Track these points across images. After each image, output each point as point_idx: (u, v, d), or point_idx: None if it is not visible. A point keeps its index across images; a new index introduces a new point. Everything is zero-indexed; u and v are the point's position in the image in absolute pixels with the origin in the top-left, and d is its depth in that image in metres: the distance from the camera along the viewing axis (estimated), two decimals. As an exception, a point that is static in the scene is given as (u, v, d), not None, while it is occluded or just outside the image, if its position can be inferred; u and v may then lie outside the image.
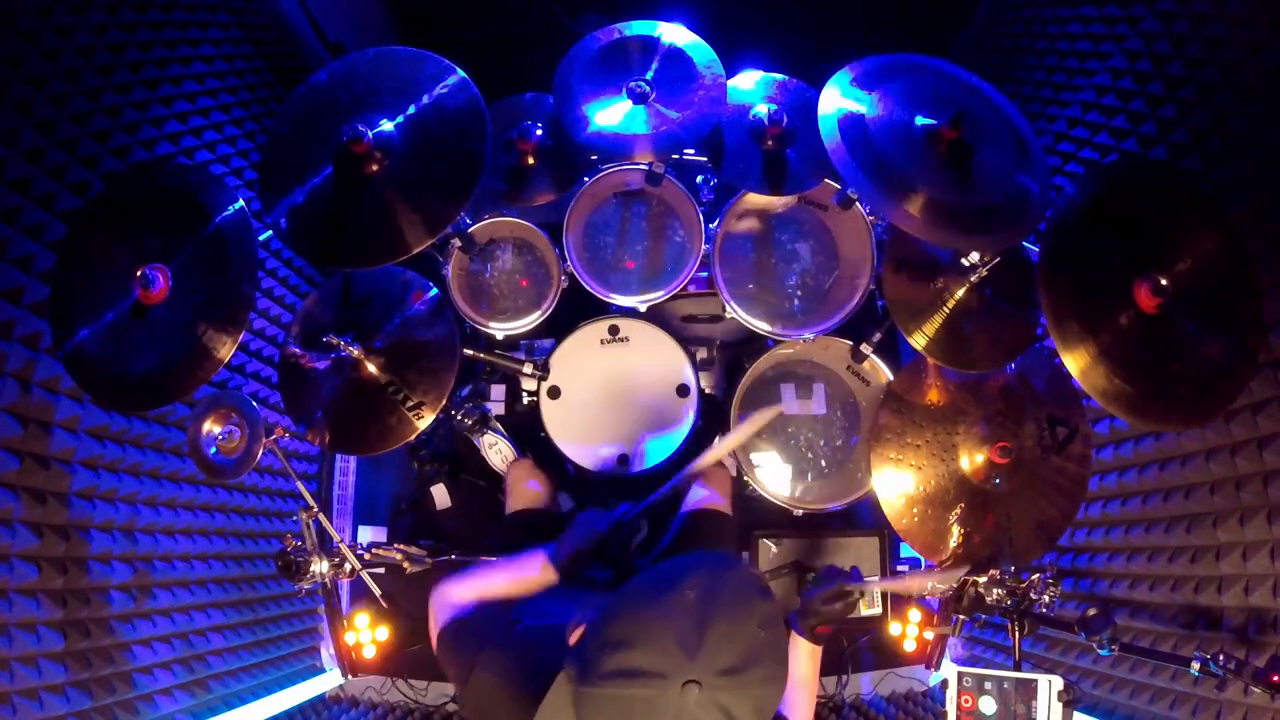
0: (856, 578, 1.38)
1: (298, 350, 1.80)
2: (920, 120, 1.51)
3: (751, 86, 1.93)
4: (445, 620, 1.21)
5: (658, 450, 1.93)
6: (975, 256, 1.58)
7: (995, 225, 1.48)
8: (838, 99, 1.54)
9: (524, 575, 1.34)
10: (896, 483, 1.68)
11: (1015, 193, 1.49)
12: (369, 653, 2.28)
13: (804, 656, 1.44)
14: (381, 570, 2.09)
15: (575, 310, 2.00)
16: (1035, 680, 1.42)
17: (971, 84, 1.61)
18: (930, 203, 1.46)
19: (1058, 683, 1.40)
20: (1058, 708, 1.39)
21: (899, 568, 2.04)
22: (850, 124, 1.51)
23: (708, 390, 2.30)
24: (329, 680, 2.40)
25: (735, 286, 2.00)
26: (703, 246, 1.91)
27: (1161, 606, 1.70)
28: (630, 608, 0.84)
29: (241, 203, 1.50)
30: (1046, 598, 1.56)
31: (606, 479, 1.93)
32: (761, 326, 1.91)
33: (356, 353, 1.69)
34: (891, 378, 1.90)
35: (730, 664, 0.79)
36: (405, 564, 2.12)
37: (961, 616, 1.70)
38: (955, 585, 1.53)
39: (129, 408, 1.66)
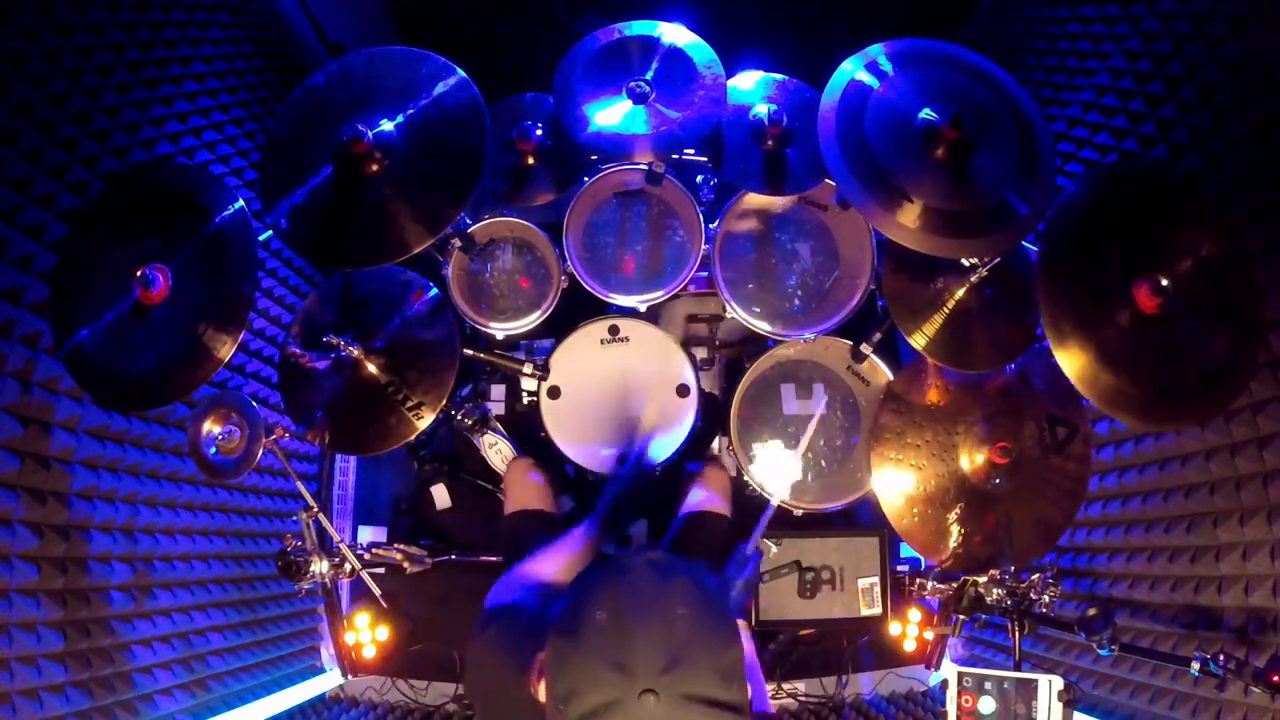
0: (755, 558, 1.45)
1: (298, 350, 1.80)
2: (924, 114, 1.48)
3: (751, 86, 1.93)
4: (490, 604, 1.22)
5: (658, 450, 1.93)
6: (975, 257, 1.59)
7: (978, 230, 1.46)
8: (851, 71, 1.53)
9: (574, 551, 1.41)
10: (896, 483, 1.67)
11: (1001, 208, 1.47)
12: (369, 653, 2.28)
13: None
14: (381, 570, 2.10)
15: (575, 310, 2.00)
16: (1035, 680, 1.42)
17: (1004, 86, 1.57)
18: (904, 193, 1.45)
19: (1058, 683, 1.40)
20: (1058, 708, 1.39)
21: (899, 567, 2.04)
22: (852, 95, 1.50)
23: (708, 390, 2.30)
24: (329, 680, 2.40)
25: (735, 286, 2.00)
26: (703, 246, 1.91)
27: (1161, 606, 1.70)
28: (558, 657, 0.85)
29: (241, 203, 1.50)
30: (1046, 598, 1.57)
31: (606, 479, 1.93)
32: (761, 326, 1.91)
33: (356, 353, 1.69)
34: (891, 378, 1.90)
35: (667, 660, 0.80)
36: (405, 564, 2.13)
37: (961, 616, 1.70)
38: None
39: (129, 408, 1.66)
